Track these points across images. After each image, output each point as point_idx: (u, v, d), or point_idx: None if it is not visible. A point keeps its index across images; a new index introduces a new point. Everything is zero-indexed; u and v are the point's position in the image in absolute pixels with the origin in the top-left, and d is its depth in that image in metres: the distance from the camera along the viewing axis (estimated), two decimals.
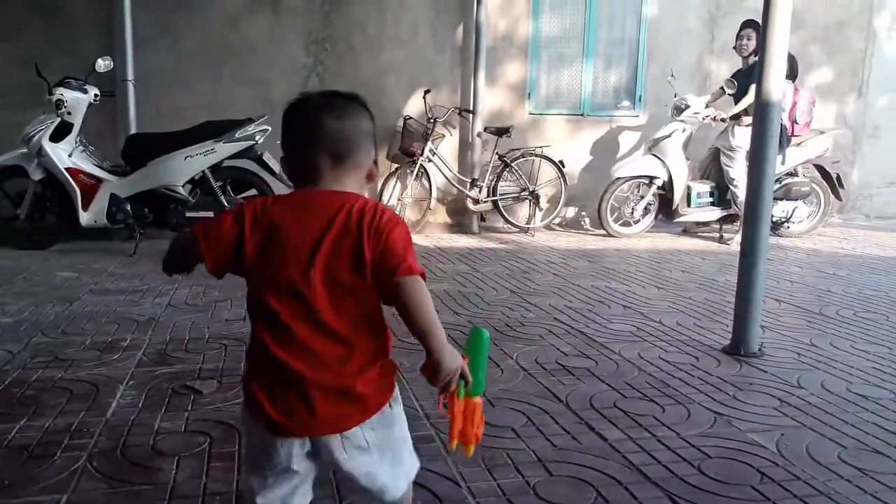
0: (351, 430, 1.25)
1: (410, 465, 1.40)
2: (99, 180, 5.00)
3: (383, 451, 1.31)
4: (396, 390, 1.37)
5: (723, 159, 6.09)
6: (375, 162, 1.40)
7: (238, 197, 5.19)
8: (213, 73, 5.93)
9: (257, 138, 5.03)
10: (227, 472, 1.86)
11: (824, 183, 6.41)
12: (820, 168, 6.39)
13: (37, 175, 4.96)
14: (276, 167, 5.20)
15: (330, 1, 6.10)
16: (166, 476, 1.83)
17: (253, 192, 5.24)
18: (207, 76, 5.92)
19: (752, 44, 5.77)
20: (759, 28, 5.67)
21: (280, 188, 5.34)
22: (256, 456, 1.29)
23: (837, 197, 6.54)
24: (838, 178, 6.41)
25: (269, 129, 5.09)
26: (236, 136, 4.97)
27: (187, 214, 5.02)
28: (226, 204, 5.06)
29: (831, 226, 6.96)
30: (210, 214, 5.03)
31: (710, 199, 6.33)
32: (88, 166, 5.02)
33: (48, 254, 5.04)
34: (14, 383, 2.48)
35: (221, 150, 4.96)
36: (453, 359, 1.25)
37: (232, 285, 4.11)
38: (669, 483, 1.82)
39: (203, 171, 5.01)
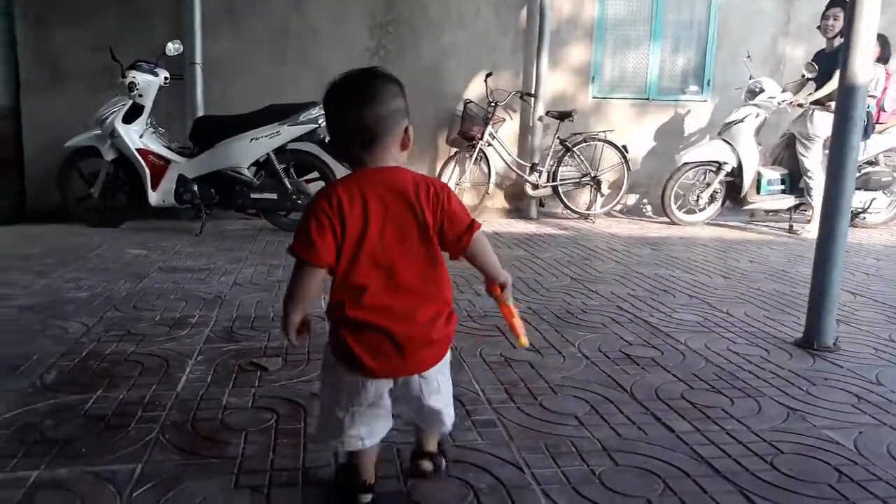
0: (428, 371, 1.54)
1: (450, 413, 1.67)
2: (168, 161, 5.15)
3: (446, 391, 1.62)
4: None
5: (798, 147, 5.85)
6: (407, 129, 1.59)
7: (301, 179, 5.26)
8: (277, 57, 6.01)
9: (320, 122, 5.08)
10: (294, 448, 1.88)
11: None
12: None
13: (109, 155, 5.14)
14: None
15: None
16: (234, 450, 1.87)
17: (315, 174, 5.30)
18: (272, 60, 6.01)
19: (840, 24, 5.47)
20: (846, 7, 5.40)
21: (341, 170, 5.40)
22: (348, 397, 1.53)
23: None
24: None
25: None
26: (300, 119, 5.03)
27: (252, 196, 5.13)
28: (289, 186, 5.13)
29: None
30: (274, 197, 5.13)
31: (782, 187, 6.11)
32: (158, 147, 5.17)
33: (119, 232, 5.23)
34: (90, 356, 2.58)
35: (286, 133, 5.03)
36: (508, 276, 1.63)
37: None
38: (740, 477, 1.77)
39: (268, 154, 5.09)
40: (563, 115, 6.20)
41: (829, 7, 5.56)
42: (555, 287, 3.82)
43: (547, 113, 6.33)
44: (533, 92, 6.36)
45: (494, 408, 2.18)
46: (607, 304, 3.48)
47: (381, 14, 6.13)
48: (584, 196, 6.63)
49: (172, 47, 5.13)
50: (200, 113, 5.72)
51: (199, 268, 4.10)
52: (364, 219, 1.45)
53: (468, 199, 6.32)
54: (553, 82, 6.48)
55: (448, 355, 1.59)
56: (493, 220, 6.33)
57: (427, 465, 1.74)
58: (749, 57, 6.26)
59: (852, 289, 3.86)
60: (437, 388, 1.58)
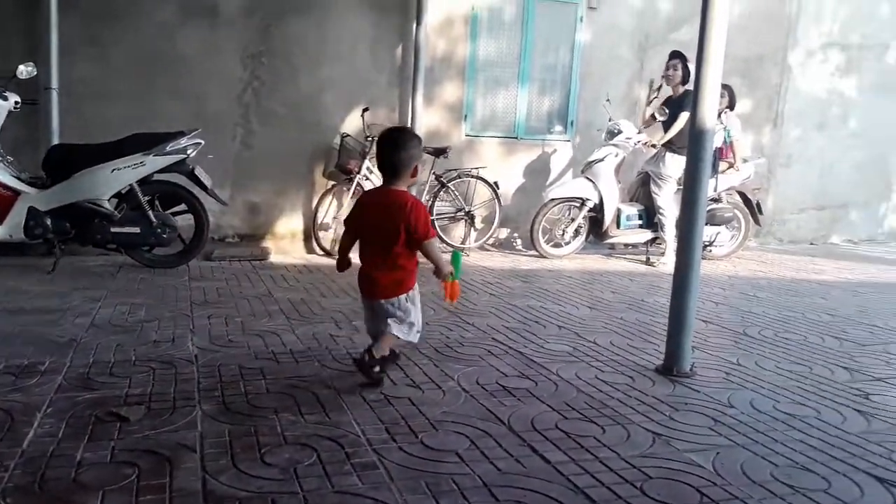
0: (391, 300, 2.76)
1: (417, 332, 2.86)
2: (17, 192, 4.72)
3: (408, 314, 2.80)
4: (417, 290, 2.86)
5: (652, 186, 6.30)
6: (416, 168, 2.75)
7: (167, 212, 5.01)
8: (144, 85, 5.72)
9: (189, 152, 4.88)
10: None
11: (745, 209, 6.72)
12: (741, 194, 6.70)
13: None
14: (208, 181, 5.05)
15: (268, 15, 6.01)
16: None
17: (183, 206, 5.07)
18: (138, 87, 5.70)
19: (679, 74, 6.02)
20: (684, 59, 5.95)
21: (211, 203, 5.20)
22: (365, 310, 2.93)
23: (757, 222, 6.87)
24: (758, 204, 6.75)
25: (202, 142, 4.96)
26: (167, 149, 4.81)
27: (112, 230, 4.81)
28: (153, 220, 4.87)
29: (749, 249, 7.28)
30: (137, 230, 4.84)
31: (639, 222, 6.53)
32: (5, 177, 4.73)
33: None
34: None
35: (151, 164, 4.78)
36: (448, 265, 2.77)
37: (158, 304, 3.97)
38: None
39: (131, 185, 4.81)
40: (439, 152, 6.33)
41: (669, 59, 6.12)
42: (433, 321, 3.85)
43: (423, 149, 6.42)
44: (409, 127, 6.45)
45: (375, 449, 2.15)
46: (484, 337, 3.55)
47: (254, 45, 6.01)
48: (459, 230, 6.77)
49: (25, 70, 4.74)
50: (55, 141, 5.32)
51: (50, 308, 3.77)
52: (361, 218, 2.81)
53: None
54: (428, 119, 6.61)
55: (402, 297, 2.77)
56: None
57: (360, 356, 2.73)
58: (608, 100, 6.71)
59: (704, 317, 4.17)
60: (388, 311, 2.77)
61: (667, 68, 6.12)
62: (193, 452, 2.07)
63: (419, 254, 2.75)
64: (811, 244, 8.44)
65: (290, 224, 6.35)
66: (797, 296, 5.06)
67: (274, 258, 5.87)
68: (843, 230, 8.84)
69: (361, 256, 2.81)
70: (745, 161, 6.77)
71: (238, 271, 5.20)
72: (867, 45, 8.51)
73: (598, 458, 2.13)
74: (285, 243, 6.30)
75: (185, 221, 5.13)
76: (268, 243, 6.19)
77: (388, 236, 2.67)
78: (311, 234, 6.23)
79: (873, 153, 8.76)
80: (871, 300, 5.02)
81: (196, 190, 5.03)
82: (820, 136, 8.45)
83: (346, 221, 2.88)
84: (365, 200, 2.86)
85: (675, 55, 6.06)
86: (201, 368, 2.88)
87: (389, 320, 2.75)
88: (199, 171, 4.99)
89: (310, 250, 6.29)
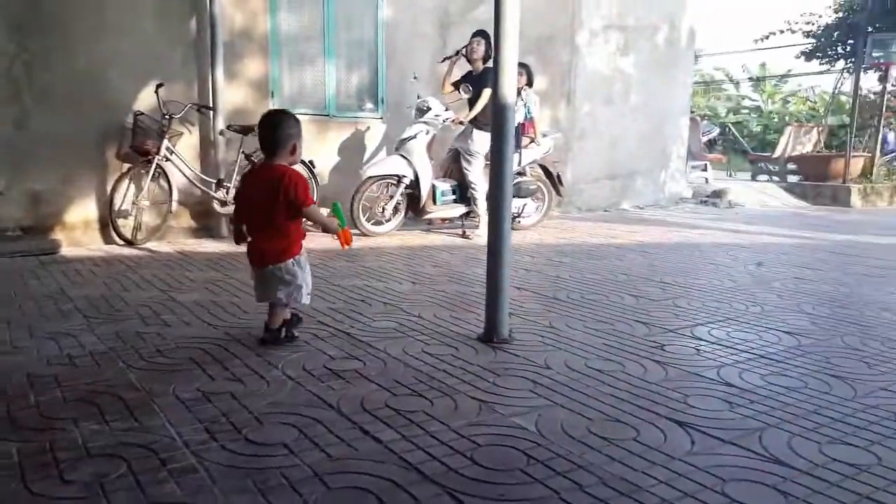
0: (278, 265, 3.01)
1: (307, 294, 3.12)
2: None
3: (296, 277, 3.03)
4: (304, 255, 3.10)
5: (463, 163, 6.49)
6: (295, 146, 3.02)
7: None
8: None
9: None
10: None
11: (547, 181, 7.16)
12: (543, 167, 7.12)
13: None
14: None
15: None
16: None
17: None
18: None
19: (482, 49, 6.23)
20: (487, 37, 6.16)
21: None
22: (255, 280, 3.12)
23: (559, 193, 7.35)
24: (559, 176, 7.21)
25: None
26: None
27: None
28: None
29: (552, 219, 7.78)
30: None
31: (454, 197, 6.71)
32: None
33: None
34: None
35: None
36: (332, 221, 3.09)
37: None
38: (447, 478, 1.87)
39: None
40: (247, 130, 6.01)
41: (473, 36, 6.32)
42: (253, 308, 3.67)
43: (228, 127, 6.08)
44: (210, 105, 6.06)
45: (193, 451, 2.00)
46: (308, 320, 3.44)
47: (19, 14, 5.27)
48: None
49: None
50: None
51: None
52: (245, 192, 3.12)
53: (149, 218, 5.78)
54: (231, 95, 6.25)
55: (289, 262, 3.02)
56: (180, 241, 5.89)
57: (263, 333, 3.09)
58: (416, 77, 6.78)
59: (517, 284, 4.38)
60: (275, 275, 3.02)
61: (469, 44, 6.29)
62: None
63: (305, 221, 3.08)
64: (605, 211, 9.21)
65: (82, 212, 5.72)
66: (597, 259, 5.50)
67: (66, 251, 5.28)
68: (631, 197, 9.75)
69: (249, 229, 3.09)
70: (544, 136, 7.19)
71: (22, 268, 4.61)
72: (640, 26, 9.38)
73: (429, 432, 2.15)
74: (78, 234, 5.67)
75: None
76: (58, 235, 5.54)
77: (269, 207, 2.94)
78: (107, 222, 5.66)
79: (652, 126, 9.74)
80: (659, 259, 5.59)
81: None
82: (607, 111, 9.21)
83: (234, 197, 3.42)
84: (248, 176, 3.24)
85: (478, 33, 6.26)
86: None
87: (279, 286, 3.01)
88: None
89: (108, 240, 5.73)
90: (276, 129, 2.99)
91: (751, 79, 26.06)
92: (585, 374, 2.74)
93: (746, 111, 26.58)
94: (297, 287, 3.04)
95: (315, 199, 6.54)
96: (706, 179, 12.96)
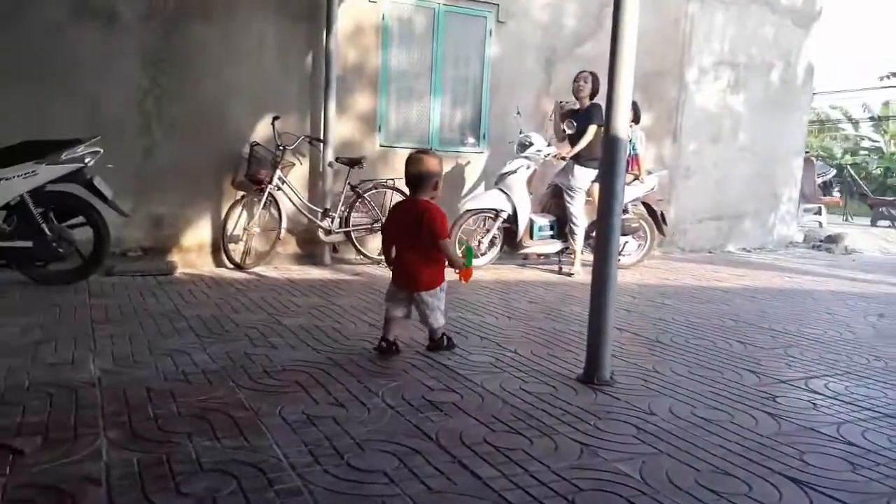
0: (429, 291, 3.38)
1: (440, 317, 3.46)
2: None
3: (434, 306, 3.41)
4: (444, 285, 3.48)
5: (565, 198, 6.45)
6: (437, 183, 3.40)
7: (63, 225, 4.68)
8: (32, 89, 5.32)
9: (87, 161, 4.59)
10: None
11: (650, 219, 6.99)
12: (646, 205, 6.97)
13: None
14: (109, 192, 4.76)
15: (169, 19, 5.75)
16: None
17: (81, 218, 4.75)
18: (25, 90, 5.30)
19: (588, 87, 6.20)
20: (594, 75, 6.14)
21: (112, 215, 4.90)
22: (391, 294, 3.46)
23: (661, 232, 7.16)
24: (662, 215, 7.03)
25: (101, 151, 4.67)
26: (62, 157, 4.50)
27: (0, 245, 4.44)
28: (48, 233, 4.53)
29: (654, 258, 7.57)
30: (29, 245, 4.50)
31: (551, 232, 6.67)
32: None
33: None
34: None
35: (44, 173, 4.46)
36: (459, 259, 3.53)
37: (55, 323, 3.68)
38: None
39: (21, 196, 4.46)
40: (353, 162, 6.24)
41: (580, 73, 6.30)
42: (354, 335, 3.77)
43: (337, 159, 6.33)
44: (322, 137, 6.32)
45: (299, 473, 2.05)
46: (406, 350, 3.49)
47: (154, 51, 5.73)
48: (376, 242, 6.68)
49: None
50: None
51: None
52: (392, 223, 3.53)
53: (258, 244, 6.07)
54: (341, 129, 6.51)
55: (437, 289, 3.43)
56: (286, 267, 6.13)
57: (428, 343, 3.55)
58: (519, 113, 6.82)
59: (618, 325, 4.27)
60: (424, 301, 3.40)
61: (577, 80, 6.27)
62: (98, 486, 1.91)
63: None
64: (710, 252, 8.88)
65: (197, 236, 6.08)
66: (702, 302, 5.29)
67: (181, 272, 5.60)
68: (737, 239, 9.36)
69: (398, 254, 3.46)
70: (649, 173, 7.05)
71: (142, 287, 4.92)
72: (753, 64, 9.09)
73: (528, 472, 2.12)
74: (192, 256, 6.02)
75: (83, 235, 4.81)
76: (174, 257, 5.90)
77: (414, 237, 3.34)
78: (220, 246, 5.98)
79: (761, 166, 9.35)
80: (768, 305, 5.31)
81: (95, 201, 4.73)
82: (714, 150, 8.93)
83: (382, 228, 3.86)
84: (395, 209, 3.58)
85: (585, 71, 6.26)
86: (105, 392, 2.68)
87: (426, 310, 3.40)
88: (98, 182, 4.69)
89: (219, 263, 6.04)
90: (421, 169, 3.35)
91: (872, 118, 24.62)
92: (692, 422, 2.62)
93: (865, 152, 25.11)
94: (436, 310, 3.43)
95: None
96: (820, 223, 12.29)
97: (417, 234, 3.30)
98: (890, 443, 2.51)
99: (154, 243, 5.92)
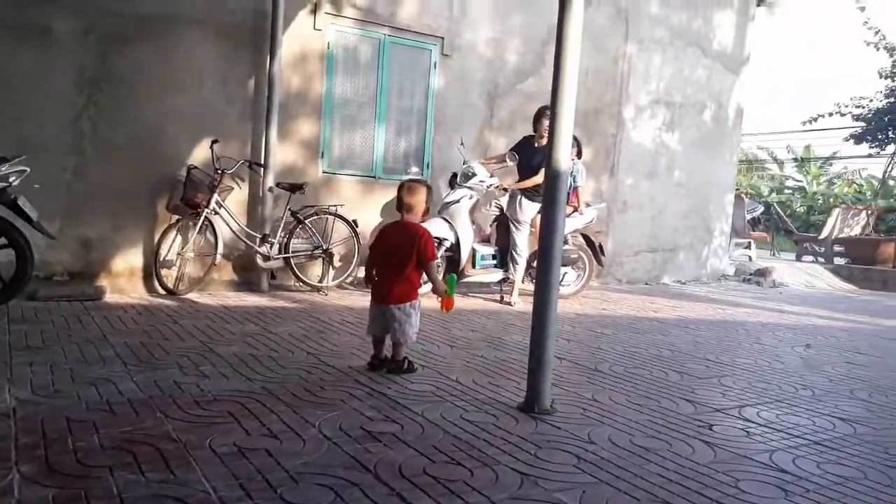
0: (399, 305, 3.61)
1: (412, 334, 3.68)
2: None
3: (410, 318, 3.63)
4: (418, 301, 3.72)
5: (512, 228, 6.50)
6: (427, 208, 3.77)
7: None
8: None
9: (11, 180, 4.39)
10: None
11: (589, 251, 7.11)
12: (585, 237, 7.09)
13: None
14: (34, 213, 4.55)
15: (107, 39, 5.59)
16: None
17: (3, 240, 4.51)
18: None
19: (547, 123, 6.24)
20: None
21: (37, 237, 4.68)
22: (372, 315, 3.73)
23: (600, 263, 7.29)
24: (600, 246, 7.17)
25: (27, 170, 4.47)
26: None
27: None
28: None
29: (592, 289, 7.69)
30: None
31: (493, 262, 6.70)
32: None
33: None
34: None
35: None
36: (442, 284, 3.72)
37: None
38: None
39: None
40: (295, 188, 6.15)
41: (542, 112, 6.16)
42: (291, 363, 3.66)
43: (278, 184, 6.23)
44: (262, 162, 6.22)
45: None
46: (345, 379, 3.42)
47: (90, 69, 5.55)
48: (317, 268, 6.58)
49: None
50: None
51: None
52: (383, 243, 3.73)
53: (192, 269, 5.88)
54: (283, 154, 6.42)
55: (407, 305, 3.62)
56: (222, 294, 5.95)
57: (389, 363, 3.65)
58: (462, 144, 6.88)
59: (558, 354, 4.28)
60: (394, 315, 3.61)
61: (542, 116, 6.12)
62: None
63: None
64: (646, 284, 9.08)
65: (128, 261, 5.85)
66: (639, 333, 5.38)
67: (109, 298, 5.37)
68: (672, 271, 9.61)
69: (378, 272, 3.72)
70: (588, 205, 7.19)
71: (67, 312, 4.69)
72: (688, 104, 9.45)
73: None
74: (123, 282, 5.79)
75: (4, 257, 4.57)
76: (102, 281, 5.65)
77: (406, 256, 3.60)
78: (152, 271, 5.77)
79: (695, 201, 9.67)
80: (702, 336, 5.45)
81: (19, 222, 4.50)
82: (650, 185, 9.19)
83: (370, 247, 3.86)
84: (387, 230, 3.77)
85: (546, 107, 6.17)
86: (20, 423, 2.52)
87: (395, 324, 3.60)
88: (22, 202, 4.48)
89: (150, 289, 5.82)
90: (415, 196, 3.69)
91: (795, 159, 25.95)
92: (631, 451, 2.63)
93: (790, 191, 26.37)
94: (410, 325, 3.63)
95: (355, 259, 6.65)
96: (750, 257, 12.76)
97: (406, 254, 3.59)
98: (819, 469, 2.57)
99: (82, 267, 5.67)
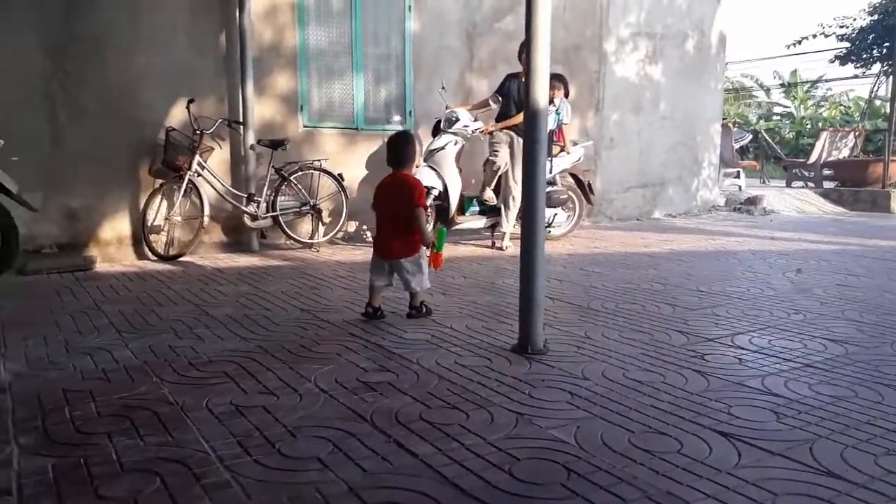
0: (407, 258, 3.67)
1: (425, 281, 3.73)
2: None
3: (414, 271, 3.69)
4: (423, 251, 3.72)
5: (490, 153, 6.44)
6: (415, 159, 3.90)
7: None
8: None
9: None
10: None
11: (578, 190, 7.07)
12: (574, 176, 7.04)
13: None
14: (13, 186, 4.48)
15: (70, 1, 5.41)
16: None
17: None
18: None
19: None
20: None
21: (20, 210, 4.62)
22: (374, 265, 3.75)
23: (589, 202, 7.27)
24: (589, 185, 7.13)
25: (2, 142, 4.38)
26: None
27: None
28: None
29: (583, 228, 7.70)
30: None
31: (482, 207, 6.67)
32: None
33: None
34: None
35: None
36: (430, 235, 3.75)
37: None
38: (485, 493, 1.81)
39: None
40: (276, 144, 6.06)
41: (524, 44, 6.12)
42: (285, 321, 3.67)
43: (259, 142, 6.13)
44: (241, 120, 6.11)
45: (227, 465, 1.97)
46: (340, 333, 3.43)
47: (56, 34, 5.38)
48: (306, 225, 6.54)
49: None
50: None
51: None
52: (381, 196, 3.77)
53: (181, 233, 5.84)
54: (261, 110, 6.31)
55: (415, 256, 3.69)
56: (212, 256, 5.93)
57: (408, 311, 3.79)
58: (444, 89, 6.77)
59: (550, 294, 4.31)
60: (405, 269, 3.67)
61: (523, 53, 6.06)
62: (9, 496, 1.79)
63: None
64: (637, 220, 9.09)
65: (116, 229, 5.80)
66: (631, 268, 5.40)
67: (100, 267, 5.34)
68: (663, 205, 9.61)
69: (380, 227, 3.76)
70: (574, 144, 7.12)
71: (58, 285, 4.67)
72: (669, 34, 9.29)
73: (465, 446, 2.10)
74: (112, 250, 5.75)
75: None
76: (92, 251, 5.62)
77: (403, 210, 3.64)
78: (141, 237, 5.73)
79: (682, 133, 9.61)
80: (694, 267, 5.47)
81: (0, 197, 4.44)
82: (636, 119, 9.11)
83: (373, 205, 3.83)
84: (382, 186, 3.78)
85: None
86: (16, 396, 2.52)
87: (407, 276, 3.67)
88: (0, 175, 4.40)
89: (141, 256, 5.79)
90: (404, 147, 3.74)
91: (782, 85, 25.68)
92: (624, 385, 2.66)
93: (778, 117, 26.19)
94: (422, 274, 3.70)
95: (344, 213, 6.61)
96: (739, 187, 12.75)
97: (404, 206, 3.63)
98: (810, 391, 2.61)
99: (70, 238, 5.62)
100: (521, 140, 6.22)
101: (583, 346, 3.22)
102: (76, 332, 3.47)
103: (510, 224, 6.45)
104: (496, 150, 6.39)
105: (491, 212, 6.65)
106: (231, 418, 2.32)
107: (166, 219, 5.75)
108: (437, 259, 3.70)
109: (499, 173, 6.44)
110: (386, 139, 6.97)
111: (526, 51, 3.08)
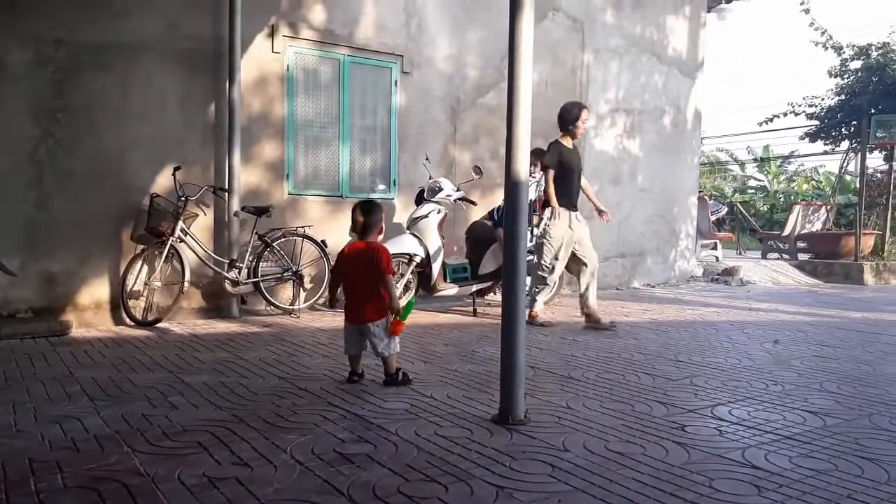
0: (376, 322, 3.72)
1: (394, 345, 3.77)
2: None
3: (383, 335, 3.73)
4: (389, 317, 3.74)
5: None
6: (382, 228, 3.89)
7: None
8: None
9: None
10: None
11: None
12: None
13: None
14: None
15: (63, 70, 5.51)
16: None
17: None
18: None
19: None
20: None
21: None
22: (347, 332, 3.82)
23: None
24: None
25: None
26: None
27: None
28: None
29: (563, 296, 7.74)
30: None
31: (465, 275, 6.71)
32: None
33: None
34: None
35: None
36: (398, 301, 3.76)
37: None
38: None
39: None
40: (261, 211, 6.10)
41: (575, 105, 6.32)
42: (262, 389, 3.62)
43: (243, 208, 6.17)
44: (226, 187, 6.16)
45: None
46: (318, 402, 3.38)
47: (47, 100, 5.46)
48: (287, 291, 6.52)
49: None
50: None
51: None
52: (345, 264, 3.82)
53: (160, 299, 5.79)
54: (247, 177, 6.37)
55: (384, 320, 3.74)
56: (191, 322, 5.86)
57: (384, 378, 3.80)
58: (427, 160, 6.91)
59: (531, 363, 4.30)
60: (373, 333, 3.72)
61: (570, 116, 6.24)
62: None
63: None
64: (617, 289, 9.16)
65: (94, 294, 5.74)
66: (610, 338, 5.42)
67: (76, 332, 5.26)
68: (642, 275, 9.71)
69: (348, 295, 3.82)
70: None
71: (32, 350, 4.58)
72: (647, 110, 9.60)
73: None
74: (89, 315, 5.67)
75: None
76: (69, 316, 5.53)
77: (369, 275, 3.71)
78: (119, 303, 5.67)
79: (660, 205, 9.81)
80: (673, 337, 5.50)
81: None
82: (615, 191, 9.30)
83: (332, 270, 4.06)
84: (348, 251, 3.85)
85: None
86: None
87: (376, 341, 3.72)
88: None
89: (118, 321, 5.72)
90: (369, 215, 3.79)
91: (755, 160, 26.47)
92: (605, 457, 2.64)
93: (752, 191, 26.87)
94: (391, 339, 3.75)
95: (326, 279, 6.61)
96: (717, 258, 12.93)
97: (370, 272, 3.69)
98: (791, 463, 2.60)
99: (46, 303, 5.54)
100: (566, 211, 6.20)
101: (564, 416, 3.20)
102: (46, 399, 3.39)
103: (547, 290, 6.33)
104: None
105: (474, 279, 6.68)
106: (203, 490, 2.26)
107: (146, 284, 5.72)
108: (397, 326, 3.74)
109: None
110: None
111: (507, 124, 3.17)
